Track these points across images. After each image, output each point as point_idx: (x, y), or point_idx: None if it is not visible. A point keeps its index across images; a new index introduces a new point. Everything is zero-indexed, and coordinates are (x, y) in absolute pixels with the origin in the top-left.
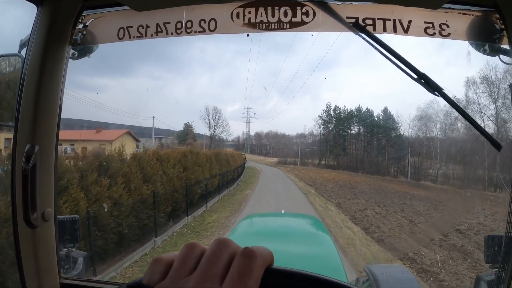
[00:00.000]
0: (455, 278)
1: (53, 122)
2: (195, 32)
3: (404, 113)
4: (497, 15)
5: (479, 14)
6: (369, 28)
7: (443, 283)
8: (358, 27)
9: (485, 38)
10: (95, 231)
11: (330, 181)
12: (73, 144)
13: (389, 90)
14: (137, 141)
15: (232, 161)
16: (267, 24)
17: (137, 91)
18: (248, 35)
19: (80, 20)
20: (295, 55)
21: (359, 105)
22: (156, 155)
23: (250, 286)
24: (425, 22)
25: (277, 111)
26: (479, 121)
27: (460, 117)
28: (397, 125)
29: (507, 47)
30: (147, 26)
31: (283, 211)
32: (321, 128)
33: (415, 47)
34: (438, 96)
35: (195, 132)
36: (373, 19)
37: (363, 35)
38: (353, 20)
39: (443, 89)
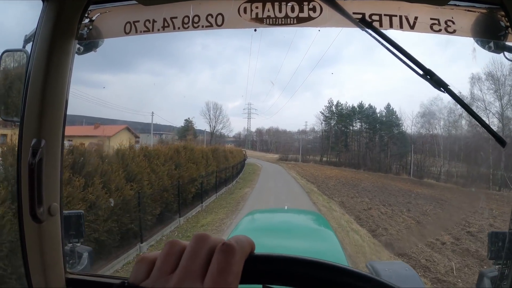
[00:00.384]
0: None
1: (59, 117)
2: (202, 27)
3: (407, 110)
4: (503, 13)
5: (484, 11)
6: (376, 24)
7: (446, 283)
8: (364, 23)
9: (490, 35)
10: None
11: (332, 178)
12: (71, 140)
13: (391, 87)
14: (136, 137)
15: (231, 158)
16: (274, 19)
17: (138, 87)
18: (255, 30)
19: (86, 15)
20: (296, 52)
21: (362, 101)
22: (144, 151)
23: (230, 282)
24: (431, 19)
25: (278, 107)
26: (483, 118)
27: (464, 114)
28: (400, 122)
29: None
30: (154, 21)
31: (286, 207)
32: (322, 124)
33: (419, 44)
34: (444, 92)
35: (195, 128)
36: (380, 15)
37: (369, 31)
38: (359, 16)
39: (448, 85)
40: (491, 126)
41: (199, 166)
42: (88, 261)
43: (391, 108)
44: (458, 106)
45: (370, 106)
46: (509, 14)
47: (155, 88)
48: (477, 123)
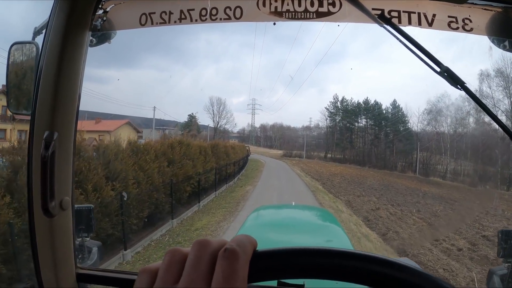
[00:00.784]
0: None
1: (72, 109)
2: (220, 19)
3: (413, 107)
4: None
5: (500, 10)
6: (394, 21)
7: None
8: (383, 19)
9: (505, 34)
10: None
11: (337, 175)
12: None
13: (398, 84)
14: (138, 131)
15: (232, 154)
16: (293, 13)
17: (142, 82)
18: (274, 24)
19: (100, 6)
20: (301, 47)
21: (367, 97)
22: (132, 146)
23: (238, 287)
24: (449, 16)
25: (283, 103)
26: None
27: (472, 111)
28: (406, 119)
29: None
30: (171, 13)
31: (293, 203)
32: (327, 120)
33: (433, 40)
34: (460, 89)
35: (199, 123)
36: (399, 12)
37: (388, 27)
38: (378, 12)
39: (465, 83)
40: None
41: (196, 163)
42: (98, 256)
43: (397, 104)
44: (466, 103)
45: (376, 103)
46: None
47: (159, 83)
48: (490, 121)
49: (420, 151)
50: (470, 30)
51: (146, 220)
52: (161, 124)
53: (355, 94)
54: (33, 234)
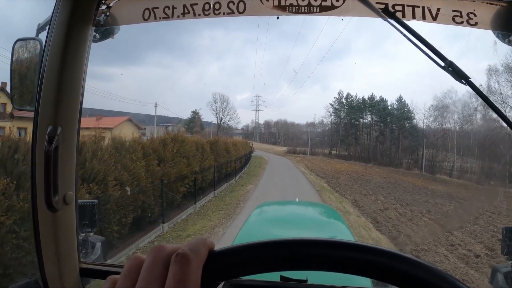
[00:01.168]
0: None
1: (75, 105)
2: (224, 13)
3: (419, 103)
4: None
5: (505, 4)
6: (398, 15)
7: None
8: (387, 13)
9: (510, 29)
10: None
11: (342, 172)
12: None
13: (402, 80)
14: (140, 128)
15: (234, 150)
16: (297, 7)
17: (146, 79)
18: (278, 18)
19: (103, 1)
20: (305, 43)
21: (372, 93)
22: (116, 143)
23: None
24: (453, 11)
25: (287, 100)
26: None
27: (479, 108)
28: (412, 115)
29: None
30: (174, 7)
31: (297, 199)
32: (332, 116)
33: (437, 35)
34: (465, 84)
35: (203, 120)
36: (403, 5)
37: (392, 21)
38: (382, 6)
39: (470, 78)
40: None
41: (191, 161)
42: (101, 251)
43: (402, 100)
44: (473, 99)
45: (382, 99)
46: None
47: (163, 80)
48: (498, 117)
49: (426, 148)
50: (474, 25)
51: (130, 225)
52: (165, 121)
53: (360, 90)
54: (36, 229)
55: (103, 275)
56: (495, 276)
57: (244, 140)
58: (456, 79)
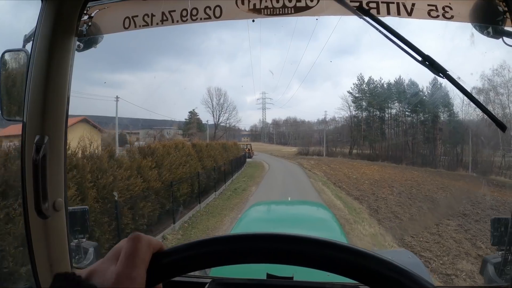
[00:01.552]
0: None
1: (61, 113)
2: (201, 19)
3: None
4: None
5: None
6: (373, 12)
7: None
8: (362, 10)
9: (488, 21)
10: None
11: (379, 182)
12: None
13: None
14: (101, 131)
15: (219, 156)
16: (272, 10)
17: (149, 83)
18: (253, 21)
19: (85, 12)
20: (314, 41)
21: (400, 76)
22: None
23: (136, 264)
24: (429, 5)
25: (295, 98)
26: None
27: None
28: (450, 101)
29: (510, 29)
30: (153, 15)
31: (289, 199)
32: (351, 108)
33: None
34: (443, 78)
35: (204, 123)
36: (377, 2)
37: (367, 18)
38: (357, 4)
39: (447, 71)
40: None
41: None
42: (94, 256)
43: (438, 82)
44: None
45: (412, 82)
46: None
47: (170, 84)
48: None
49: (471, 141)
50: (451, 18)
51: None
52: (161, 124)
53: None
54: (28, 236)
55: None
56: (486, 267)
57: (233, 141)
58: (434, 73)
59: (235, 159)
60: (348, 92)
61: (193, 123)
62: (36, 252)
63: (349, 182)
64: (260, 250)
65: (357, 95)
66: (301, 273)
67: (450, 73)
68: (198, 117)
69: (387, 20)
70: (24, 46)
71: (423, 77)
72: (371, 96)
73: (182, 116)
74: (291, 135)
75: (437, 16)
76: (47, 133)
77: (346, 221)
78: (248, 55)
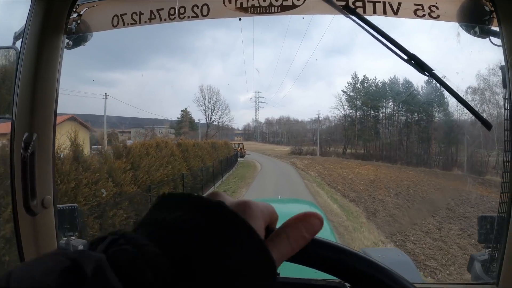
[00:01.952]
0: None
1: (50, 111)
2: (188, 17)
3: (451, 84)
4: None
5: None
6: (359, 11)
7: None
8: (348, 9)
9: (475, 20)
10: None
11: (374, 183)
12: None
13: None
14: (90, 130)
15: (207, 156)
16: (258, 8)
17: (141, 82)
18: (240, 19)
19: (74, 9)
20: (308, 41)
21: (395, 75)
22: None
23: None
24: (415, 4)
25: (289, 97)
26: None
27: None
28: (445, 101)
29: (496, 28)
30: (141, 13)
31: (279, 197)
32: (345, 107)
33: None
34: (428, 76)
35: (192, 119)
36: (363, 2)
37: (353, 17)
38: (343, 3)
39: (433, 70)
40: (478, 111)
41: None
42: None
43: (433, 82)
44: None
45: (407, 81)
46: None
47: (163, 82)
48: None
49: (462, 141)
50: (437, 17)
51: None
52: (154, 123)
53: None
54: (17, 233)
55: None
56: (473, 264)
57: (222, 141)
58: (419, 71)
59: (226, 159)
60: (342, 90)
61: (185, 122)
62: (25, 249)
63: (344, 182)
64: None
65: (351, 93)
66: (287, 270)
67: (435, 71)
68: (190, 116)
69: (377, 19)
70: (14, 43)
71: (419, 76)
72: (365, 95)
73: (174, 115)
74: (284, 135)
75: (423, 16)
76: (35, 130)
77: (345, 229)
78: (242, 53)
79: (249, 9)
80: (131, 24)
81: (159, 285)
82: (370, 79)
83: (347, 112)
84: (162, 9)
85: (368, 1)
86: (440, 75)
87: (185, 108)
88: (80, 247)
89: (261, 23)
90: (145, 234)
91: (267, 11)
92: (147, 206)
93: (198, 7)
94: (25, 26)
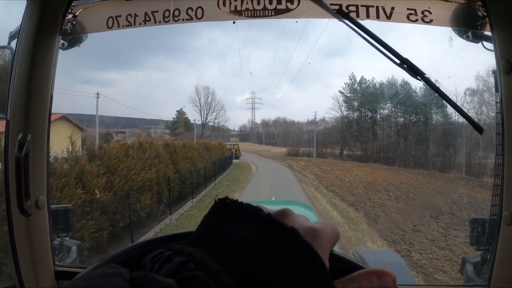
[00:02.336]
0: None
1: (44, 112)
2: (183, 20)
3: (449, 87)
4: (480, 2)
5: (462, 1)
6: (353, 15)
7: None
8: (341, 13)
9: (468, 25)
10: None
11: (373, 186)
12: None
13: (420, 65)
14: (82, 129)
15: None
16: (252, 12)
17: (138, 82)
18: (234, 23)
19: (69, 10)
20: (304, 42)
21: (393, 76)
22: None
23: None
24: (408, 9)
25: (285, 98)
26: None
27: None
28: (443, 103)
29: (489, 33)
30: (136, 15)
31: (273, 198)
32: (342, 108)
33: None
34: (420, 80)
35: (188, 119)
36: (357, 6)
37: (346, 21)
38: (337, 7)
39: (425, 74)
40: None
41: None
42: (77, 254)
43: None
44: None
45: (405, 82)
46: (485, 4)
47: (159, 83)
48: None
49: (462, 144)
50: (429, 22)
51: None
52: (149, 123)
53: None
54: (11, 233)
55: None
56: (465, 266)
57: (216, 142)
58: (411, 75)
59: (219, 160)
60: (340, 91)
61: (180, 122)
62: (18, 249)
63: (342, 185)
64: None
65: (348, 94)
66: None
67: (428, 76)
68: (186, 116)
69: (372, 23)
70: (9, 43)
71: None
72: (363, 96)
73: (170, 115)
74: (280, 136)
75: (416, 20)
76: (30, 131)
77: (347, 241)
78: (239, 54)
79: (243, 12)
80: (126, 26)
81: None
82: (368, 80)
83: (344, 113)
84: (157, 11)
85: (361, 6)
86: (432, 79)
87: (181, 109)
88: (74, 248)
89: (258, 25)
90: (210, 253)
91: (261, 14)
92: (124, 215)
93: (192, 10)
94: (21, 26)
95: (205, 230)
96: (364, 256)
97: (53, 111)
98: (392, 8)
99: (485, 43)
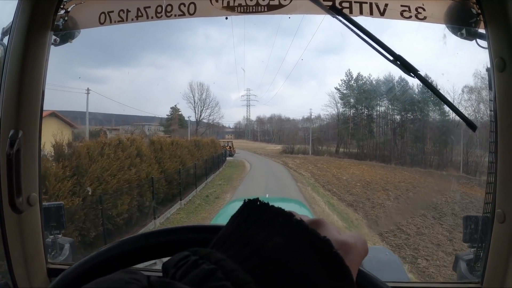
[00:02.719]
0: None
1: (36, 108)
2: (175, 15)
3: (446, 85)
4: (474, 0)
5: None
6: (346, 11)
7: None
8: (334, 9)
9: (461, 22)
10: None
11: (371, 185)
12: None
13: (416, 64)
14: (72, 126)
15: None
16: (245, 7)
17: (132, 78)
18: (226, 18)
19: (61, 6)
20: (299, 39)
21: (390, 73)
22: None
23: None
24: (402, 6)
25: (280, 95)
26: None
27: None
28: (439, 100)
29: (483, 31)
30: (128, 11)
31: (267, 195)
32: (338, 105)
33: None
34: (413, 77)
35: (182, 116)
36: (350, 2)
37: (339, 17)
38: (330, 3)
39: (418, 70)
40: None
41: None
42: (70, 252)
43: (430, 80)
44: None
45: (402, 79)
46: (480, 2)
47: (154, 80)
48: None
49: (460, 141)
50: (423, 19)
51: None
52: (143, 120)
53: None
54: (3, 231)
55: None
56: (458, 263)
57: (208, 139)
58: (404, 72)
59: (211, 158)
60: (336, 88)
61: (174, 119)
62: (10, 247)
63: (339, 184)
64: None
65: (345, 91)
66: None
67: (420, 72)
68: (180, 113)
69: (366, 19)
70: (1, 39)
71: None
72: (359, 93)
73: (165, 112)
74: (275, 133)
75: (410, 17)
76: (21, 127)
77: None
78: (235, 51)
79: (236, 8)
80: (118, 21)
81: None
82: (364, 77)
83: (341, 110)
84: (149, 7)
85: (354, 2)
86: (426, 76)
87: (175, 105)
88: (67, 245)
89: (253, 21)
90: (239, 259)
91: (254, 10)
92: (96, 223)
93: (185, 5)
94: (12, 22)
95: (233, 232)
96: None
97: (44, 108)
98: (386, 5)
99: (479, 40)
